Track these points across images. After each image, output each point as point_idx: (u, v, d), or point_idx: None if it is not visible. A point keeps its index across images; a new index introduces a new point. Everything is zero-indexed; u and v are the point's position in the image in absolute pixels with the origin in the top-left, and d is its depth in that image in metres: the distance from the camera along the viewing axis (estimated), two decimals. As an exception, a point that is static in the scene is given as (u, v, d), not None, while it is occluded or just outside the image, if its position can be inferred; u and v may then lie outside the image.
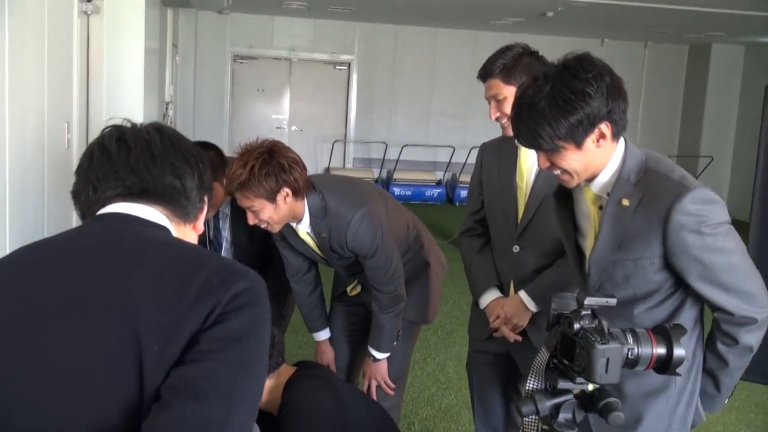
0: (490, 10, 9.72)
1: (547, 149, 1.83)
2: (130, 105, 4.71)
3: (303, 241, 2.76)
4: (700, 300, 1.92)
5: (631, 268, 1.88)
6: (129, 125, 1.35)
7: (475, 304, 2.73)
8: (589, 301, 1.57)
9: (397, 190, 11.74)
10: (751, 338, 1.88)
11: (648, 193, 1.84)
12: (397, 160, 11.89)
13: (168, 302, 1.17)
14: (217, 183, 2.82)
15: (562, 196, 2.06)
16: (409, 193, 11.78)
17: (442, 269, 3.11)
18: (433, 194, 11.95)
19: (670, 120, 12.86)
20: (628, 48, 12.65)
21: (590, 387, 1.62)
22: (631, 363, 1.59)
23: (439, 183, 12.21)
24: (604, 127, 1.80)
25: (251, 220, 2.56)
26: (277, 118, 12.53)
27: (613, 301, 1.58)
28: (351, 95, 12.57)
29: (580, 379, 1.58)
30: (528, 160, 2.55)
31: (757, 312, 1.85)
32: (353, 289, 3.00)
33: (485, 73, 2.47)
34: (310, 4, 10.09)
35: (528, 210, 2.55)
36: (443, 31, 12.22)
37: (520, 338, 2.57)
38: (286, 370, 2.30)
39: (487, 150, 2.74)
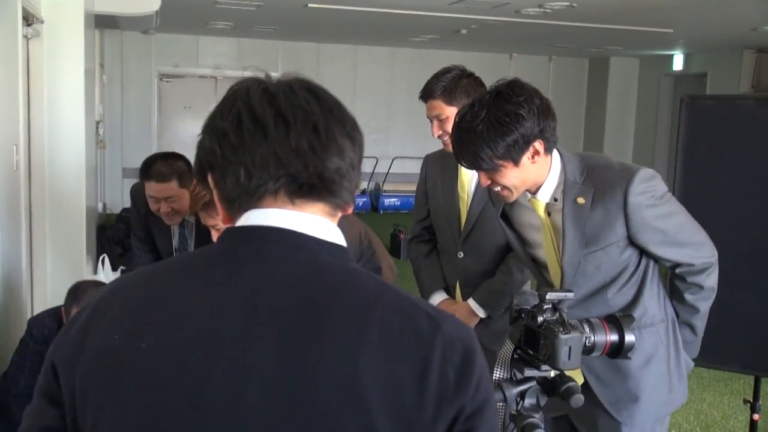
0: (408, 28, 9.88)
1: (487, 169, 1.93)
2: (71, 126, 4.63)
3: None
4: (657, 264, 2.11)
5: (601, 257, 2.01)
6: (273, 81, 1.04)
7: None
8: (550, 296, 1.68)
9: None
10: (712, 280, 2.08)
11: (598, 187, 1.98)
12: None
13: (407, 408, 0.90)
14: (185, 190, 2.83)
15: (506, 218, 2.20)
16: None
17: (392, 274, 3.19)
18: (358, 203, 12.01)
19: (574, 128, 13.32)
20: (535, 62, 13.08)
21: (552, 373, 1.73)
22: (588, 350, 1.70)
23: (363, 192, 12.29)
24: (538, 145, 1.91)
25: (215, 237, 2.56)
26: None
27: (570, 295, 1.70)
28: (276, 111, 12.53)
29: (545, 367, 1.68)
30: (468, 172, 2.66)
31: (710, 256, 2.05)
32: None
33: (427, 94, 2.58)
34: (235, 23, 10.02)
35: (470, 219, 2.66)
36: (363, 48, 12.33)
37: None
38: None
39: (431, 162, 2.84)
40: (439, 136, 2.62)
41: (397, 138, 12.35)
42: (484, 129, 1.88)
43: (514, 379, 1.74)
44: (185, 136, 12.21)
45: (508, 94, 1.89)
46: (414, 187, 3.03)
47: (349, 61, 12.40)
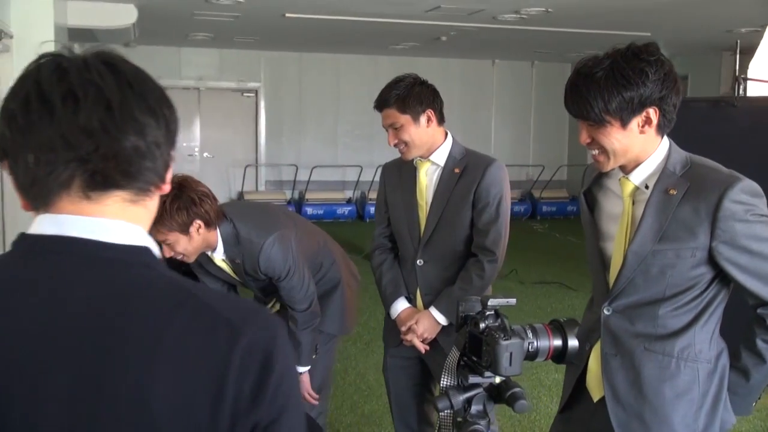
0: (389, 37, 9.92)
1: (593, 121, 1.81)
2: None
3: (219, 268, 2.81)
4: (724, 301, 1.90)
5: (671, 258, 1.83)
6: (69, 56, 0.94)
7: (387, 314, 2.83)
8: (492, 301, 1.67)
9: (309, 210, 11.75)
10: None
11: (695, 184, 1.81)
12: (308, 181, 11.91)
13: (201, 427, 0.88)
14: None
15: (588, 198, 2.05)
16: (321, 212, 11.81)
17: (355, 282, 3.19)
18: (344, 212, 12.02)
19: (558, 132, 13.37)
20: (517, 67, 13.14)
21: (497, 380, 1.73)
22: (531, 355, 1.70)
23: (349, 201, 12.29)
24: (653, 113, 1.80)
25: (167, 253, 2.58)
26: (189, 145, 12.35)
27: (512, 301, 1.69)
28: (260, 121, 12.53)
29: (488, 373, 1.68)
30: (426, 179, 2.69)
31: None
32: (272, 307, 3.04)
33: (382, 104, 2.60)
34: (215, 34, 10.04)
35: (429, 225, 2.68)
36: (345, 57, 12.36)
37: (428, 347, 2.68)
38: None
39: (388, 170, 2.86)
40: (395, 145, 2.64)
41: (382, 146, 12.29)
42: (603, 77, 1.77)
43: (461, 386, 1.74)
44: (169, 148, 12.21)
45: (639, 51, 1.79)
46: None
47: (331, 70, 12.42)
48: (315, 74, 12.34)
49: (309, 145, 12.59)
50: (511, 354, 1.62)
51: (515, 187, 12.46)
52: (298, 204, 11.94)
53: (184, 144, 12.27)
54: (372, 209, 11.79)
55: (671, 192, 1.83)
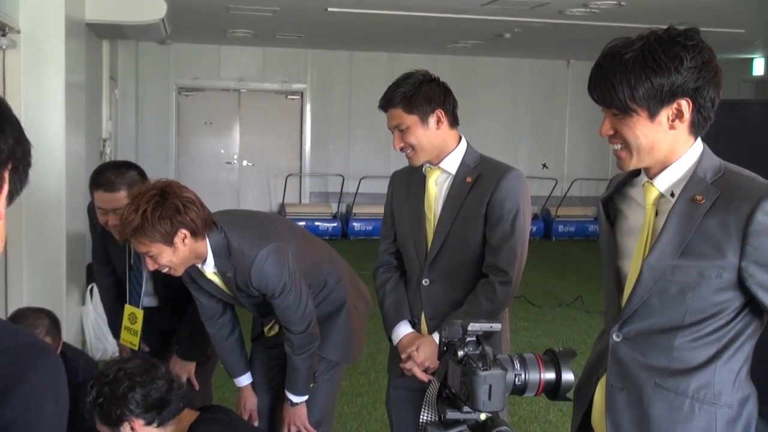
0: (446, 34, 9.93)
1: (617, 109, 1.77)
2: (51, 142, 4.75)
3: (211, 282, 2.82)
4: (755, 335, 1.83)
5: (692, 277, 1.76)
6: None
7: (389, 339, 2.81)
8: (472, 326, 1.64)
9: (357, 225, 11.83)
10: None
11: (726, 192, 1.75)
12: (356, 193, 11.98)
13: None
14: None
15: (607, 208, 2.00)
16: (369, 227, 11.84)
17: (365, 305, 3.18)
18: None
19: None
20: (595, 68, 12.96)
21: (482, 416, 1.69)
22: (519, 389, 1.66)
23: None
24: (685, 106, 1.75)
25: (151, 266, 2.60)
26: (227, 152, 12.59)
27: (497, 326, 1.66)
28: (305, 126, 12.70)
29: (466, 408, 1.64)
30: (435, 189, 2.67)
31: None
32: (271, 329, 3.05)
33: (386, 103, 2.60)
34: (256, 31, 10.23)
35: (436, 241, 2.66)
36: (401, 57, 12.40)
37: (431, 377, 2.64)
38: (187, 416, 2.35)
39: (397, 179, 2.86)
40: (401, 149, 2.63)
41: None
42: (631, 60, 1.73)
43: (442, 422, 1.71)
44: (206, 155, 12.47)
45: (677, 35, 1.74)
46: None
47: (385, 71, 12.42)
48: (366, 75, 12.42)
49: (358, 154, 12.71)
50: (490, 386, 1.58)
51: (591, 203, 12.27)
52: (345, 218, 12.02)
53: (222, 151, 12.52)
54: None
55: (698, 200, 1.77)
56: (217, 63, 12.24)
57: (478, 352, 1.63)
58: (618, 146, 1.83)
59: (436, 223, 2.66)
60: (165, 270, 2.64)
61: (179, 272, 2.68)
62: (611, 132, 1.82)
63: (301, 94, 12.66)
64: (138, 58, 11.80)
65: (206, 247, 2.67)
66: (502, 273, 2.58)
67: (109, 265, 3.37)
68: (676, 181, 1.82)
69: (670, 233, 1.78)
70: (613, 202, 2.00)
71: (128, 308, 3.25)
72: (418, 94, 2.54)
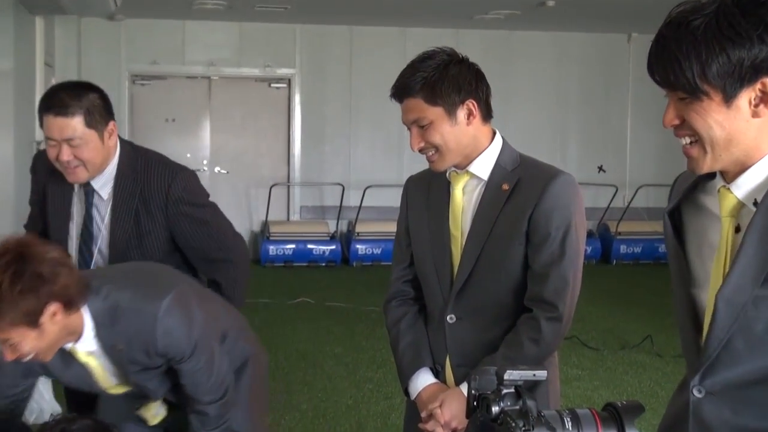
0: (472, 2, 9.98)
1: (684, 92, 1.76)
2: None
3: (80, 372, 2.78)
4: None
5: None
6: None
7: (405, 392, 2.81)
8: (510, 375, 1.65)
9: (360, 248, 11.89)
10: None
11: None
12: (359, 207, 12.01)
13: None
14: (93, 132, 3.07)
15: (674, 221, 1.99)
16: (378, 251, 11.87)
17: (264, 357, 3.28)
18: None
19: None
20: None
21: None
22: (571, 454, 1.67)
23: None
24: None
25: (8, 356, 2.53)
26: (194, 156, 12.62)
27: (542, 374, 1.67)
28: (293, 122, 12.77)
29: (504, 479, 1.65)
30: (463, 199, 2.68)
31: None
32: (155, 417, 3.04)
33: (401, 92, 2.59)
34: (230, 2, 10.30)
35: (464, 266, 2.66)
36: (414, 32, 12.45)
37: None
38: None
39: (413, 186, 2.87)
40: (421, 150, 2.62)
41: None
42: (702, 27, 1.70)
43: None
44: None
45: None
46: None
47: (395, 50, 12.49)
48: (372, 56, 12.49)
49: (361, 157, 12.78)
50: (533, 452, 1.59)
51: (661, 217, 12.22)
52: (346, 239, 12.06)
53: (188, 155, 12.56)
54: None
55: None
56: (180, 43, 12.31)
57: (517, 407, 1.64)
58: (687, 140, 1.81)
59: (464, 243, 2.66)
60: (27, 359, 2.59)
61: (48, 358, 2.64)
62: (677, 121, 1.80)
63: (288, 82, 12.73)
64: (80, 39, 11.88)
65: (83, 318, 2.63)
66: (550, 307, 2.58)
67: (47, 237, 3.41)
68: (760, 187, 1.79)
69: (750, 255, 1.76)
70: (680, 213, 1.99)
71: None
72: (443, 80, 2.53)
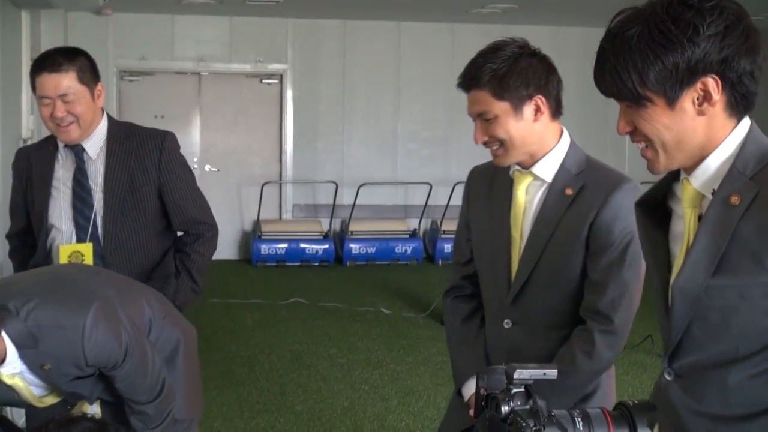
0: (469, -5, 9.99)
1: (629, 100, 1.85)
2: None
3: (4, 392, 2.77)
4: None
5: (732, 300, 1.81)
6: None
7: (458, 393, 2.81)
8: (519, 374, 1.65)
9: (354, 247, 11.89)
10: None
11: (767, 187, 1.80)
12: (353, 205, 12.00)
13: None
14: (85, 89, 3.37)
15: (649, 209, 2.06)
16: (372, 249, 11.88)
17: (192, 337, 3.28)
18: (405, 250, 12.07)
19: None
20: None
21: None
22: (583, 454, 1.67)
23: (413, 234, 12.33)
24: (711, 84, 1.79)
25: None
26: (184, 154, 12.47)
27: (552, 373, 1.67)
28: (286, 119, 12.75)
29: (514, 480, 1.65)
30: (525, 196, 2.66)
31: None
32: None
33: (469, 82, 2.57)
34: (220, -4, 10.28)
35: (522, 270, 2.65)
36: (409, 26, 12.47)
37: None
38: None
39: (477, 178, 2.87)
40: (485, 144, 2.62)
41: (463, 155, 12.32)
42: (636, 37, 1.79)
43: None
44: (157, 158, 12.47)
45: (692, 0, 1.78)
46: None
47: (389, 45, 12.54)
48: (366, 51, 12.49)
49: (355, 154, 12.75)
50: (545, 452, 1.59)
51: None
52: (339, 238, 12.06)
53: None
54: (447, 246, 11.80)
55: (733, 200, 1.82)
56: (170, 38, 12.29)
57: (528, 407, 1.65)
58: (642, 144, 1.91)
59: (523, 243, 2.66)
60: None
61: None
62: (629, 128, 1.90)
63: (280, 78, 12.71)
64: (67, 34, 11.84)
65: (4, 343, 2.61)
66: (604, 319, 2.56)
67: (30, 234, 3.62)
68: (716, 177, 1.87)
69: (702, 245, 1.84)
70: (665, 203, 2.06)
71: (66, 249, 3.45)
72: (512, 74, 2.51)
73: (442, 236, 11.91)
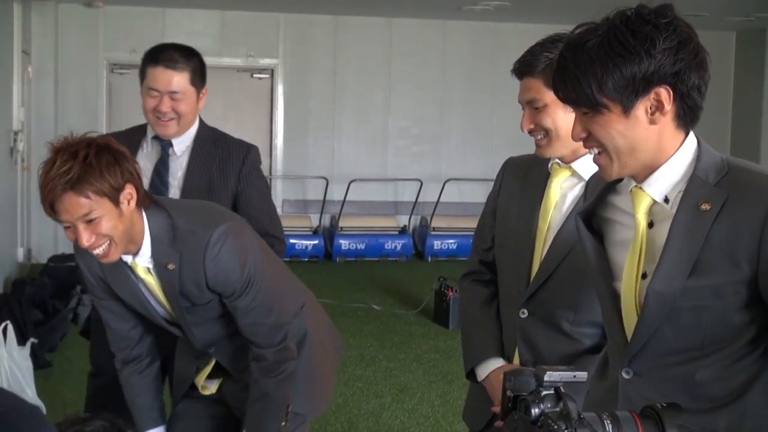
0: (462, -8, 9.98)
1: (586, 106, 1.96)
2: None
3: (135, 289, 2.83)
4: None
5: (707, 300, 1.93)
6: None
7: (472, 377, 2.82)
8: (550, 376, 1.66)
9: (344, 243, 11.88)
10: None
11: (735, 193, 1.92)
12: (343, 201, 12.00)
13: None
14: (194, 91, 3.43)
15: (590, 222, 2.16)
16: (362, 246, 11.87)
17: (334, 344, 3.31)
18: (395, 246, 12.06)
19: (718, 121, 13.09)
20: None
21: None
22: (611, 457, 1.68)
23: (403, 231, 12.34)
24: (664, 94, 1.91)
25: (85, 241, 2.58)
26: (174, 148, 12.58)
27: (582, 376, 1.67)
28: (276, 113, 12.74)
29: (544, 483, 1.66)
30: (558, 192, 2.68)
31: None
32: (206, 387, 3.08)
33: (523, 69, 2.64)
34: (213, -11, 10.25)
35: (546, 265, 2.67)
36: (400, 22, 12.45)
37: None
38: None
39: (512, 168, 2.89)
40: (530, 132, 2.65)
41: (453, 152, 12.34)
42: (596, 47, 1.91)
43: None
44: (146, 152, 12.43)
45: (648, 14, 1.92)
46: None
47: (380, 41, 12.52)
48: (357, 47, 12.48)
49: (345, 149, 12.74)
50: (576, 455, 1.60)
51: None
52: (329, 234, 12.05)
53: (168, 146, 12.51)
54: (437, 243, 11.81)
55: (703, 207, 1.93)
56: (160, 31, 12.21)
57: (558, 409, 1.65)
58: (596, 151, 2.01)
59: (550, 240, 2.68)
60: (100, 249, 2.62)
61: (117, 254, 2.67)
62: (584, 134, 2.00)
63: (271, 72, 12.68)
64: (58, 26, 11.79)
65: (143, 226, 2.70)
66: None
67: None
68: (670, 185, 2.00)
69: (676, 249, 1.95)
70: (597, 214, 2.17)
71: None
72: None
73: (432, 233, 11.92)
